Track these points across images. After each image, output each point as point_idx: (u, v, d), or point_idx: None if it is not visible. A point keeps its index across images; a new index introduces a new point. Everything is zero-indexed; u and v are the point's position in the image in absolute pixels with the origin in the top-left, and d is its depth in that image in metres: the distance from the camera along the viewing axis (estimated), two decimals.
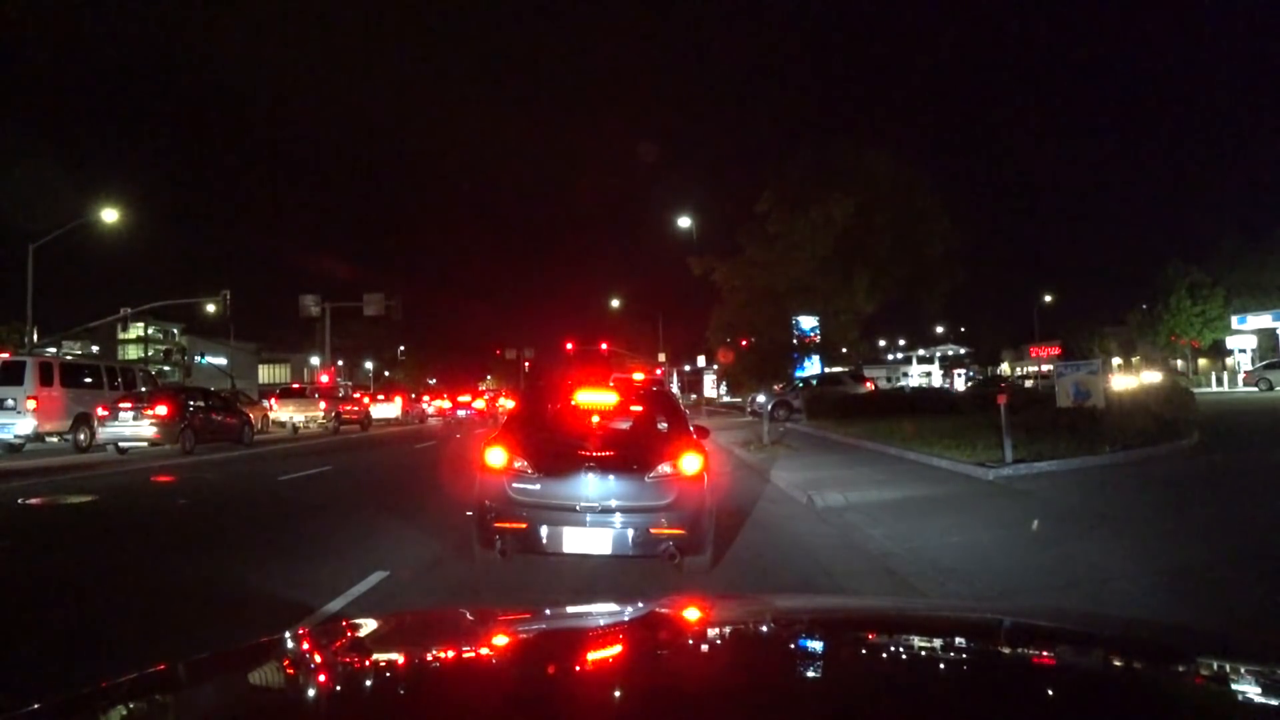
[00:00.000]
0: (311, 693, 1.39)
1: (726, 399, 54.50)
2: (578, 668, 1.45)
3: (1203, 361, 54.70)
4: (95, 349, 64.89)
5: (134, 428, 18.15)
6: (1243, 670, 1.40)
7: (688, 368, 62.44)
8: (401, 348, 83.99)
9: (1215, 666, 1.45)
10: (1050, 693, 1.30)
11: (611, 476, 5.53)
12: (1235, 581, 5.28)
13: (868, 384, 33.95)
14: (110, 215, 27.84)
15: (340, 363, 57.55)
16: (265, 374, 73.53)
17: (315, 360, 55.69)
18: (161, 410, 18.31)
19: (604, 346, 53.99)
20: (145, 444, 18.21)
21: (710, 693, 1.23)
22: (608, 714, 1.17)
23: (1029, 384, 49.32)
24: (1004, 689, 1.27)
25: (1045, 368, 53.85)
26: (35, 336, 31.60)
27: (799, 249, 34.27)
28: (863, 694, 1.24)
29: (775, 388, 32.28)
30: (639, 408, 6.90)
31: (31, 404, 18.13)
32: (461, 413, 44.16)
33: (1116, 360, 64.02)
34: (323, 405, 32.08)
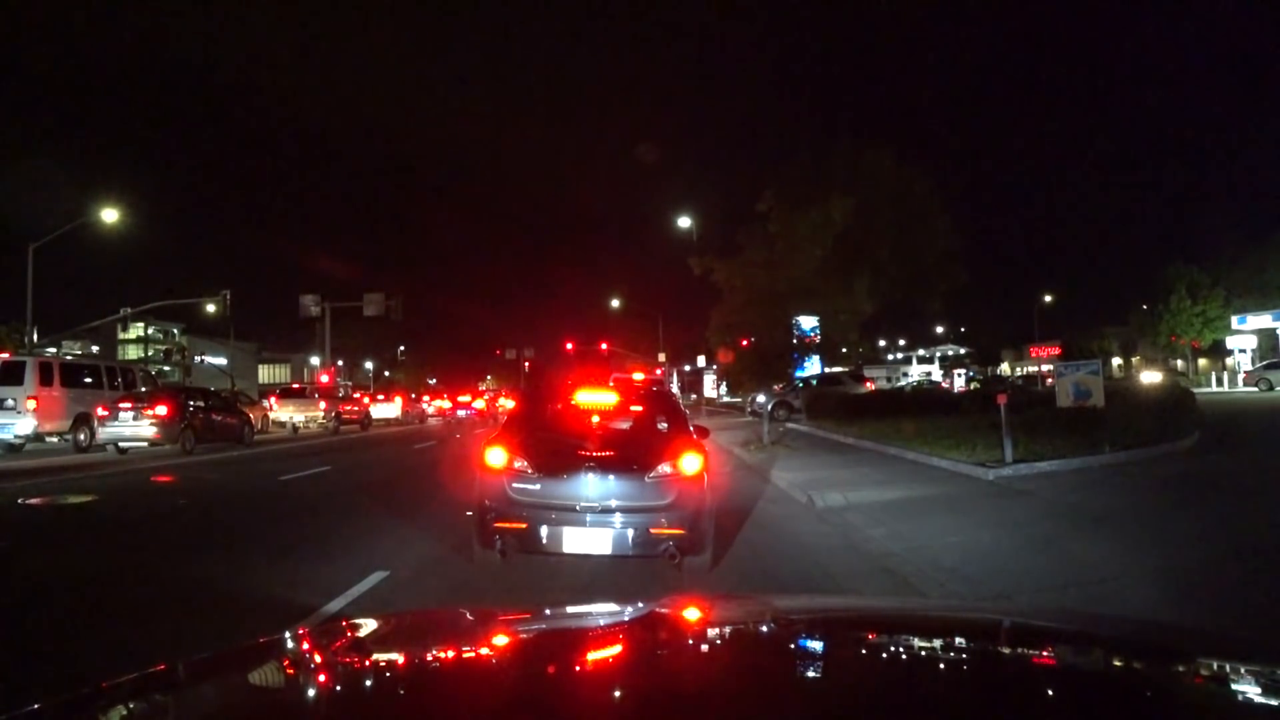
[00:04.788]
0: (311, 693, 1.39)
1: (726, 399, 54.50)
2: (578, 668, 1.45)
3: (1203, 361, 54.71)
4: (95, 349, 64.93)
5: (134, 428, 18.15)
6: (1243, 670, 1.40)
7: (688, 368, 62.46)
8: (401, 348, 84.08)
9: (1215, 666, 1.45)
10: (1050, 693, 1.30)
11: (611, 476, 5.53)
12: (1236, 581, 5.28)
13: (868, 384, 33.96)
14: (110, 215, 27.85)
15: (340, 363, 57.59)
16: (265, 374, 73.56)
17: (315, 360, 55.73)
18: (161, 410, 18.30)
19: (604, 347, 53.98)
20: (145, 444, 18.21)
21: (710, 693, 1.23)
22: (608, 714, 1.17)
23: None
24: (1004, 689, 1.27)
25: (1045, 367, 53.89)
26: (35, 336, 31.61)
27: (799, 249, 34.29)
28: (863, 695, 1.24)
29: (775, 388, 32.29)
30: (639, 408, 6.90)
31: (31, 404, 18.13)
32: (461, 413, 44.20)
33: (1116, 360, 64.06)
34: (323, 405, 32.09)
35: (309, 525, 8.69)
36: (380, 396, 44.38)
